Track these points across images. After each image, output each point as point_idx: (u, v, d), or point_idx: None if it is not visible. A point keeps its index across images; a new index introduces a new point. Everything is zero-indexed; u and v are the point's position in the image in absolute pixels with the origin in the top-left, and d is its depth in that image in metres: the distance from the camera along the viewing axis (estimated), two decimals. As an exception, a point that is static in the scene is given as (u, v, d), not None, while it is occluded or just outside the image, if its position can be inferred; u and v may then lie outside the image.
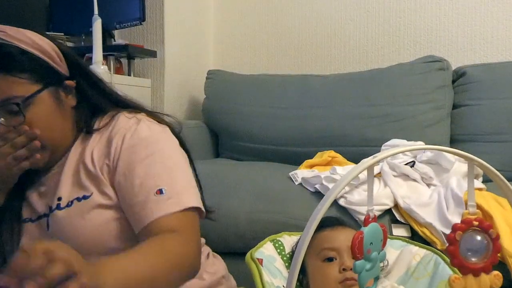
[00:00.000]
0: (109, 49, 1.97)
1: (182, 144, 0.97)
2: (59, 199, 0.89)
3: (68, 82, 0.92)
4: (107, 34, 2.00)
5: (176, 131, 0.98)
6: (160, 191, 0.84)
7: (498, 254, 1.18)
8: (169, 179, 0.87)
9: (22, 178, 0.93)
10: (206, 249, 1.08)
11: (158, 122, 0.95)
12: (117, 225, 0.88)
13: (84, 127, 0.95)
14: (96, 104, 0.97)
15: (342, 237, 0.93)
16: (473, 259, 0.56)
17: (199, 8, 2.54)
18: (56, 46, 0.91)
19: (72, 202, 0.89)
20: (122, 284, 0.68)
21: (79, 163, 0.91)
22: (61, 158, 0.94)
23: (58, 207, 0.89)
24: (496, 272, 0.57)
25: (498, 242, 0.58)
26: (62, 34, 2.04)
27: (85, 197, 0.88)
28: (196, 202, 0.87)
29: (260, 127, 2.12)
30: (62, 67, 0.92)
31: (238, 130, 2.17)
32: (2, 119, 0.84)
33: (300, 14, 2.48)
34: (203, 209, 0.89)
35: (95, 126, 0.95)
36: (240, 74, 2.33)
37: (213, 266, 1.04)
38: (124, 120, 0.93)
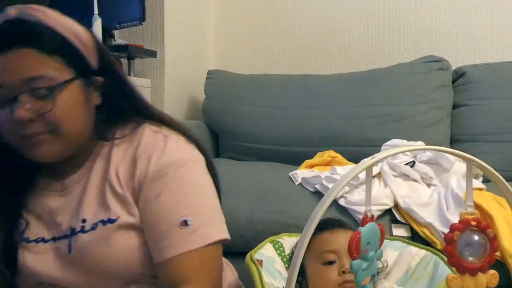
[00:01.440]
0: (109, 49, 1.95)
1: (207, 159, 0.92)
2: (84, 221, 0.84)
3: (97, 77, 0.86)
4: (107, 34, 2.00)
5: (202, 146, 0.92)
6: (185, 223, 0.81)
7: (498, 254, 1.18)
8: (195, 208, 0.83)
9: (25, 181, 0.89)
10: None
11: (185, 137, 0.89)
12: (143, 250, 0.84)
13: (104, 132, 0.89)
14: (119, 108, 0.90)
15: (341, 240, 0.93)
16: (470, 259, 0.57)
17: (199, 8, 2.54)
18: (92, 38, 0.87)
19: (96, 225, 0.83)
20: None
21: (105, 183, 0.85)
22: (81, 165, 0.89)
23: (83, 230, 0.83)
24: (492, 271, 0.58)
25: (496, 242, 0.58)
26: (62, 34, 2.03)
27: (110, 221, 0.83)
28: (220, 233, 0.84)
29: (260, 127, 2.12)
30: (93, 61, 0.86)
31: (238, 130, 2.17)
32: (29, 105, 0.78)
33: (300, 14, 2.48)
34: (227, 237, 0.85)
35: (117, 135, 0.89)
36: (240, 74, 2.33)
37: (225, 280, 0.97)
38: (149, 135, 0.87)
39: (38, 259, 0.85)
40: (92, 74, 0.86)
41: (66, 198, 0.87)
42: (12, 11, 0.79)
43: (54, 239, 0.86)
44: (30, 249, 0.86)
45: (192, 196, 0.83)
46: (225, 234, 0.84)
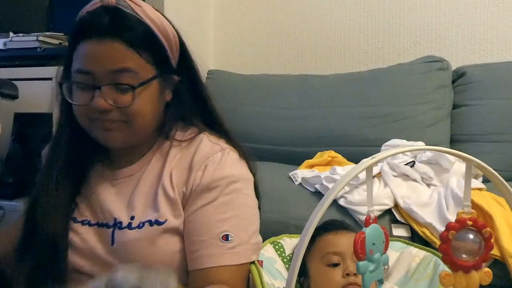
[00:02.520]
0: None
1: (255, 178, 0.95)
2: (132, 218, 0.86)
3: (174, 76, 0.90)
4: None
5: (252, 164, 0.95)
6: (226, 237, 0.83)
7: (498, 254, 1.18)
8: (238, 226, 0.85)
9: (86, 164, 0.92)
10: None
11: (239, 154, 0.92)
12: (183, 256, 0.86)
13: (168, 130, 0.91)
14: (187, 109, 0.93)
15: (346, 242, 0.93)
16: (464, 257, 0.57)
17: (199, 8, 2.54)
18: (177, 37, 0.90)
19: (143, 224, 0.85)
20: None
21: (158, 182, 0.87)
22: (137, 159, 0.91)
23: (129, 226, 0.85)
24: (486, 269, 0.58)
25: (491, 241, 0.59)
26: (62, 34, 2.03)
27: (158, 222, 0.84)
28: (254, 256, 0.86)
29: (260, 127, 2.12)
30: (174, 60, 0.90)
31: (238, 130, 2.15)
32: (110, 97, 0.81)
33: (300, 14, 2.48)
34: (257, 260, 0.88)
35: (177, 136, 0.91)
36: (240, 74, 2.33)
37: None
38: (207, 145, 0.89)
39: (82, 239, 0.88)
40: (172, 72, 0.89)
41: (117, 188, 0.90)
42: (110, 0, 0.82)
43: (98, 224, 0.88)
44: (77, 229, 0.89)
45: (238, 214, 0.86)
46: (257, 257, 0.87)
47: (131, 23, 0.82)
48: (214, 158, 0.87)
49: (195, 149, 0.89)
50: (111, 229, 0.86)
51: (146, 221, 0.85)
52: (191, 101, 0.93)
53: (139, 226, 0.85)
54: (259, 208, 0.95)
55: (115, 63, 0.80)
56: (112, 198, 0.89)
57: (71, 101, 0.84)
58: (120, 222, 0.86)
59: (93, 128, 0.85)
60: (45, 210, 0.87)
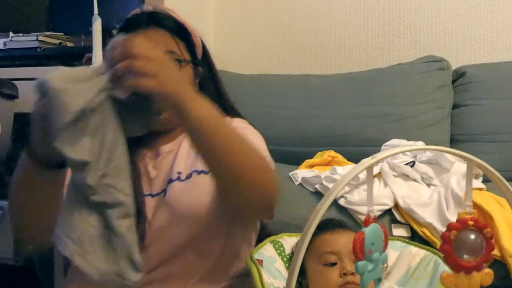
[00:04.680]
0: (109, 49, 1.96)
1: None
2: (179, 173, 0.96)
3: (200, 68, 1.06)
4: (107, 34, 2.00)
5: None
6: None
7: (498, 254, 1.18)
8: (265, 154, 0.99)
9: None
10: None
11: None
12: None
13: None
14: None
15: (343, 241, 0.93)
16: (466, 257, 0.57)
17: (199, 8, 2.54)
18: (200, 39, 1.07)
19: (191, 174, 0.95)
20: (206, 126, 0.76)
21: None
22: (169, 141, 1.01)
23: (179, 178, 0.95)
24: (487, 270, 0.58)
25: (492, 242, 0.58)
26: (62, 34, 2.04)
27: (204, 172, 0.94)
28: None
29: (260, 127, 2.11)
30: (199, 54, 1.07)
31: (238, 130, 2.16)
32: None
33: (301, 14, 2.48)
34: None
35: None
36: (240, 74, 2.33)
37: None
38: (236, 121, 1.11)
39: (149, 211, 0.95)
40: (198, 64, 1.06)
41: (160, 161, 0.99)
42: (148, 7, 1.02)
43: (151, 195, 0.96)
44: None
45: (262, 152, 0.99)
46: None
47: (167, 18, 1.00)
48: (241, 125, 1.09)
49: None
50: (164, 191, 0.94)
51: (193, 171, 0.95)
52: (213, 93, 1.09)
53: (188, 177, 0.95)
54: None
55: (164, 46, 0.96)
56: (158, 170, 0.98)
57: None
58: (170, 179, 0.95)
59: None
60: None
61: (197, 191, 0.93)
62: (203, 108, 0.78)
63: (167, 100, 0.74)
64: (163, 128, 1.00)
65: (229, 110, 1.13)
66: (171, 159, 0.99)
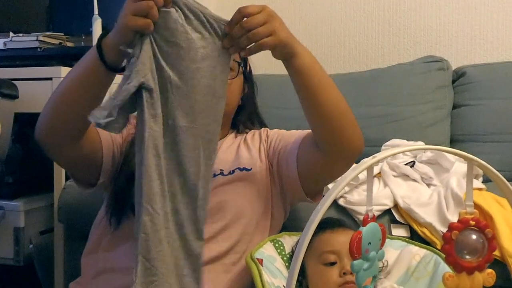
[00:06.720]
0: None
1: None
2: (221, 170, 1.04)
3: (247, 83, 1.17)
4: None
5: None
6: None
7: (498, 254, 1.18)
8: None
9: None
10: None
11: None
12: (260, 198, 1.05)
13: (237, 127, 1.20)
14: (249, 114, 1.23)
15: (342, 240, 0.93)
16: (467, 258, 0.57)
17: (199, 8, 2.53)
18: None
19: (233, 171, 1.05)
20: (314, 63, 0.95)
21: (239, 142, 1.13)
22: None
23: (222, 173, 1.04)
24: (489, 270, 0.58)
25: (494, 242, 0.58)
26: (62, 34, 2.03)
27: (246, 169, 1.04)
28: None
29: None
30: (247, 70, 1.17)
31: (238, 130, 2.16)
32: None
33: (300, 14, 2.48)
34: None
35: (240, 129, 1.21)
36: (240, 74, 2.33)
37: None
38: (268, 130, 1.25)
39: None
40: (246, 79, 1.16)
41: None
42: None
43: None
44: None
45: None
46: None
47: None
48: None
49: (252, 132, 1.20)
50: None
51: (236, 168, 1.05)
52: (252, 108, 1.23)
53: (231, 173, 1.04)
54: None
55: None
56: None
57: None
58: (214, 174, 0.99)
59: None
60: None
61: (240, 184, 1.02)
62: (306, 49, 0.92)
63: (284, 49, 0.87)
64: None
65: (262, 123, 1.27)
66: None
